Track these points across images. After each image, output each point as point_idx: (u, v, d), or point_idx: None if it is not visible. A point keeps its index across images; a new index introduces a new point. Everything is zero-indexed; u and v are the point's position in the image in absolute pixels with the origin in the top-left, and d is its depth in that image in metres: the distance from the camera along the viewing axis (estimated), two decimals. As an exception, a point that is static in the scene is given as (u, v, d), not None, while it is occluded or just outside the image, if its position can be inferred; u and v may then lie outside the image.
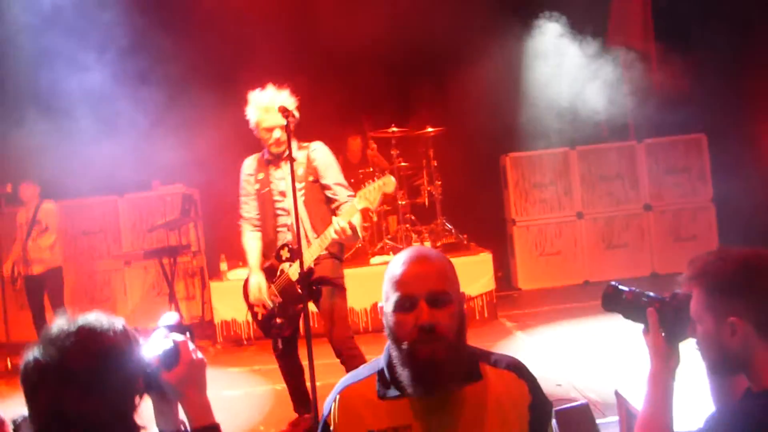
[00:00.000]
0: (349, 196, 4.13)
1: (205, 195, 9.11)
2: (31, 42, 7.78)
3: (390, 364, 1.85)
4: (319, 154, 4.24)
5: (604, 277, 8.76)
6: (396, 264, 1.85)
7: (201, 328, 8.14)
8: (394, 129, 8.31)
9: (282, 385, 5.66)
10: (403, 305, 1.78)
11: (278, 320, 4.05)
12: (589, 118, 8.54)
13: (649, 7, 9.33)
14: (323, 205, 4.22)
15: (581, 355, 5.73)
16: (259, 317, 4.23)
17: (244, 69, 8.49)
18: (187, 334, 1.83)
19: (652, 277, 8.88)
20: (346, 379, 1.98)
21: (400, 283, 1.80)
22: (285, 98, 4.12)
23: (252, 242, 4.35)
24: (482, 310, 7.50)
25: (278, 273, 4.15)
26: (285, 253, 4.12)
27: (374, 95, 8.90)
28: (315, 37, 8.72)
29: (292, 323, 4.10)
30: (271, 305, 4.11)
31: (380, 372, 1.89)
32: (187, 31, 8.46)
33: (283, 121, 3.94)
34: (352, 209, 3.92)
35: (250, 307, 4.26)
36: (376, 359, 1.96)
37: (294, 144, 4.05)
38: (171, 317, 1.86)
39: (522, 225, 9.10)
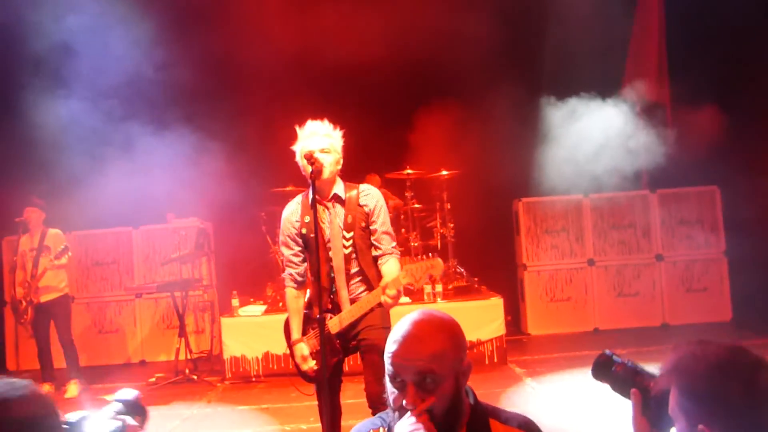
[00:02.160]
0: (393, 247, 3.91)
1: (219, 230, 9.18)
2: (50, 74, 7.92)
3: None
4: (372, 198, 3.94)
5: (615, 325, 8.76)
6: (393, 335, 1.84)
7: (210, 363, 8.15)
8: (409, 171, 8.41)
9: (291, 426, 5.69)
10: (394, 382, 1.81)
11: (316, 365, 3.86)
12: (603, 166, 8.60)
13: (664, 58, 9.46)
14: (370, 252, 3.95)
15: (591, 404, 5.68)
16: (309, 376, 3.99)
17: (261, 107, 8.68)
18: (141, 417, 1.82)
19: (662, 327, 8.84)
20: (362, 426, 2.01)
21: (390, 361, 1.82)
22: (332, 132, 3.90)
23: (294, 304, 4.00)
24: (492, 354, 7.47)
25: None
26: (328, 306, 3.88)
27: (391, 135, 9.00)
28: (334, 76, 8.88)
29: (332, 370, 3.85)
30: (312, 359, 3.90)
31: (389, 427, 1.91)
32: (203, 65, 8.60)
33: (322, 144, 3.79)
34: (397, 281, 3.64)
35: (298, 369, 3.99)
36: (386, 412, 1.97)
37: (342, 186, 3.94)
38: (129, 393, 1.85)
39: (533, 270, 9.11)
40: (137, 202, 8.55)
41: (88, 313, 9.08)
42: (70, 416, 1.66)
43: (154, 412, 6.26)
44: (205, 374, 7.72)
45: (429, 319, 1.86)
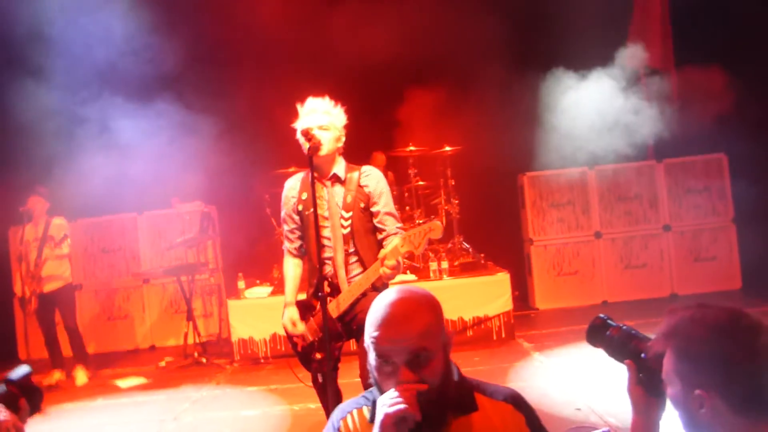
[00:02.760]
0: (398, 227, 3.85)
1: (223, 213, 9.16)
2: (47, 61, 7.88)
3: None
4: (372, 179, 3.88)
5: (623, 297, 8.73)
6: (373, 318, 1.78)
7: (218, 346, 8.18)
8: (412, 148, 8.35)
9: (300, 405, 5.72)
10: (384, 366, 1.75)
11: (318, 355, 3.79)
12: (608, 137, 8.51)
13: (668, 26, 9.31)
14: (371, 235, 3.88)
15: (601, 378, 5.66)
16: (299, 348, 3.96)
17: (263, 88, 8.62)
18: (26, 399, 1.77)
19: (671, 297, 8.79)
20: (347, 405, 1.98)
21: (378, 345, 1.75)
22: (332, 109, 3.84)
23: (290, 271, 4.03)
24: (499, 330, 7.45)
25: (317, 308, 3.85)
26: (326, 288, 3.77)
27: (393, 113, 8.94)
28: (335, 53, 8.79)
29: (332, 358, 3.79)
30: (311, 339, 3.85)
31: (374, 402, 1.87)
32: (204, 46, 8.54)
33: (321, 121, 3.74)
34: (396, 250, 3.55)
35: (289, 337, 3.98)
36: (369, 391, 1.94)
37: (343, 166, 3.88)
38: (17, 372, 1.80)
39: (540, 244, 9.06)
40: (141, 187, 8.55)
41: (96, 300, 9.12)
42: None
43: (164, 396, 6.35)
44: (214, 357, 7.75)
45: (407, 296, 1.81)
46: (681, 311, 1.62)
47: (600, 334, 1.88)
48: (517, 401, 1.90)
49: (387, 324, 1.75)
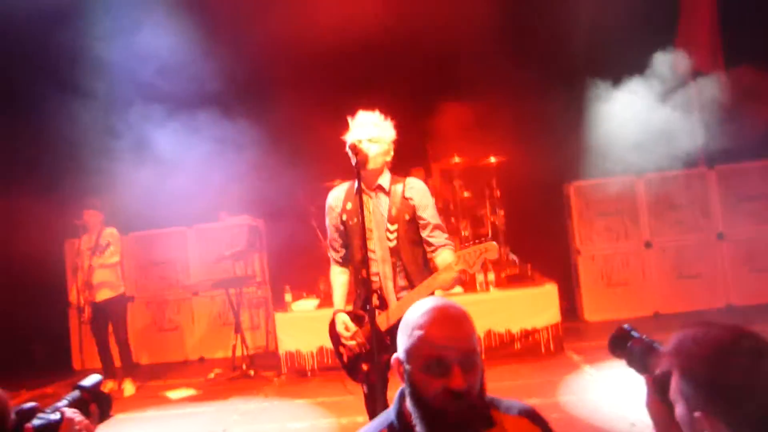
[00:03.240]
0: (446, 239, 3.85)
1: (270, 226, 9.26)
2: (106, 79, 8.09)
3: (401, 417, 1.82)
4: (417, 192, 3.88)
5: (676, 308, 8.51)
6: (423, 320, 1.77)
7: (266, 359, 8.24)
8: (457, 159, 8.32)
9: (347, 418, 5.72)
10: (434, 367, 1.72)
11: (364, 366, 3.78)
12: (657, 144, 8.33)
13: (717, 30, 9.09)
14: (417, 247, 3.87)
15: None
16: (345, 359, 3.92)
17: (308, 100, 8.70)
18: (101, 404, 1.87)
19: (727, 309, 8.54)
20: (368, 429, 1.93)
21: (431, 344, 1.73)
22: (381, 122, 3.86)
23: (338, 279, 4.05)
24: (548, 343, 7.34)
25: (365, 319, 3.81)
26: (374, 300, 3.75)
27: (437, 125, 8.92)
28: (383, 66, 8.83)
29: (379, 371, 3.69)
30: (358, 349, 3.82)
31: (390, 426, 1.85)
32: (250, 59, 8.65)
33: (371, 134, 3.77)
34: (450, 268, 3.58)
35: (336, 347, 3.96)
36: (386, 412, 1.91)
37: (387, 178, 3.90)
38: (89, 380, 1.89)
39: (587, 255, 8.91)
40: (190, 201, 8.71)
41: (148, 311, 9.31)
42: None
43: (213, 408, 6.42)
44: (262, 369, 7.81)
45: (450, 303, 1.84)
46: (685, 331, 1.57)
47: (621, 345, 1.85)
48: (532, 415, 1.91)
49: (444, 323, 1.75)
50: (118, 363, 7.71)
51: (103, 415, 1.96)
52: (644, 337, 1.83)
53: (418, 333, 1.76)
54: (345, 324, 3.85)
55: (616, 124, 8.21)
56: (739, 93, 8.19)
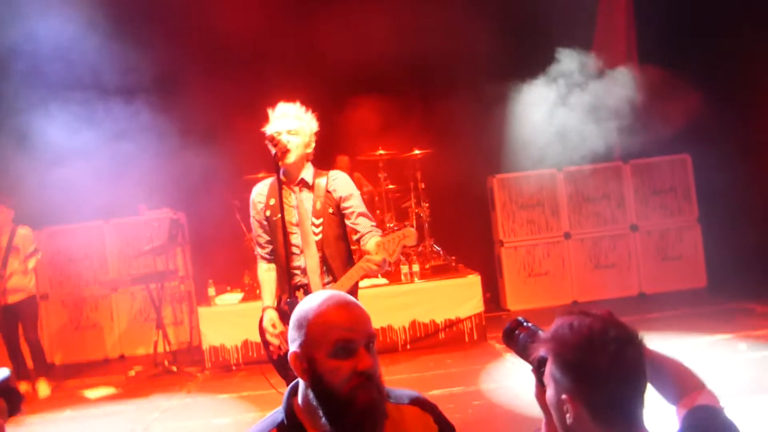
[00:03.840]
0: (372, 226, 3.84)
1: (192, 219, 9.06)
2: (19, 64, 7.75)
3: (290, 415, 1.81)
4: (340, 182, 3.88)
5: (593, 297, 8.82)
6: (322, 309, 1.77)
7: (189, 354, 8.09)
8: (381, 152, 8.36)
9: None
10: (341, 351, 1.72)
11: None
12: (575, 139, 8.61)
13: (632, 27, 9.44)
14: (341, 242, 3.89)
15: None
16: (275, 357, 3.89)
17: (231, 92, 8.56)
18: (4, 399, 1.84)
19: (639, 297, 8.92)
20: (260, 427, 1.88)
21: (338, 328, 1.73)
22: (302, 114, 3.82)
23: (265, 275, 3.98)
24: (471, 332, 7.49)
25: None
26: (301, 296, 3.73)
27: (362, 117, 8.93)
28: (303, 59, 8.78)
29: None
30: (281, 348, 3.78)
31: (280, 425, 1.83)
32: (172, 51, 8.46)
33: (290, 126, 3.73)
34: (370, 260, 3.60)
35: (266, 345, 3.91)
36: (273, 412, 1.89)
37: (310, 172, 3.86)
38: (0, 373, 1.86)
39: (510, 246, 9.13)
40: (108, 195, 8.43)
41: (64, 309, 8.94)
42: None
43: (133, 406, 6.26)
44: (185, 365, 7.66)
45: (340, 292, 1.87)
46: (562, 318, 1.66)
47: (511, 334, 1.90)
48: (421, 402, 1.95)
49: (342, 309, 1.77)
50: (30, 364, 7.39)
51: (13, 410, 1.89)
52: (531, 325, 1.88)
53: (320, 321, 1.76)
54: (272, 321, 3.81)
55: (536, 119, 8.45)
56: (651, 90, 8.55)
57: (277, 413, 1.87)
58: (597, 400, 1.56)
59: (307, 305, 1.81)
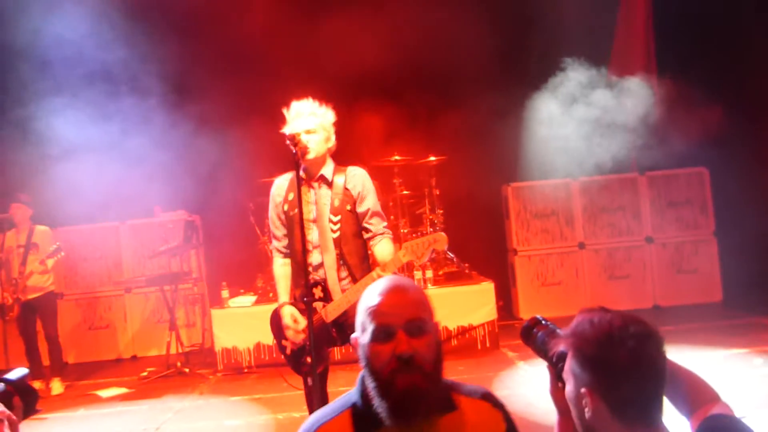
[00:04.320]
0: (384, 227, 3.87)
1: (207, 222, 9.11)
2: (37, 66, 7.83)
3: (365, 397, 1.84)
4: (358, 179, 3.89)
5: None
6: (372, 295, 1.84)
7: (201, 356, 8.10)
8: (397, 157, 8.37)
9: (284, 414, 5.69)
10: (381, 335, 1.76)
11: (309, 359, 3.66)
12: (592, 149, 8.59)
13: (652, 40, 9.42)
14: (358, 238, 3.88)
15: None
16: (288, 351, 3.89)
17: (248, 95, 8.62)
18: (27, 398, 1.84)
19: (654, 309, 8.86)
20: (318, 418, 1.91)
21: (377, 313, 1.78)
22: (317, 110, 3.82)
23: (281, 270, 3.98)
24: (484, 339, 7.47)
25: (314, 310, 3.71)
26: (318, 292, 3.75)
27: (378, 122, 8.95)
28: (319, 62, 8.80)
29: (323, 362, 3.74)
30: (301, 341, 3.77)
31: (354, 406, 1.87)
32: (190, 55, 8.52)
33: (308, 125, 3.74)
34: (398, 259, 3.63)
35: (278, 339, 3.91)
36: (346, 394, 1.93)
37: (330, 168, 3.88)
38: (17, 372, 1.87)
39: (523, 255, 9.10)
40: (124, 196, 8.50)
41: (78, 309, 9.00)
42: None
43: (146, 406, 6.27)
44: (197, 367, 7.68)
45: (400, 277, 1.95)
46: (583, 314, 1.68)
47: (529, 333, 1.94)
48: (493, 399, 1.96)
49: (386, 294, 1.81)
50: (46, 362, 7.44)
51: (28, 409, 1.89)
52: (549, 324, 1.92)
53: (367, 306, 1.82)
54: (294, 317, 3.79)
55: (552, 128, 8.43)
56: (669, 102, 8.53)
57: (350, 395, 1.91)
58: (616, 394, 1.57)
59: (368, 291, 1.87)
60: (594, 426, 1.61)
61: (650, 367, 1.58)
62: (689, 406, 1.79)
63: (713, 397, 1.80)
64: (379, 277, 3.55)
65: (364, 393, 1.84)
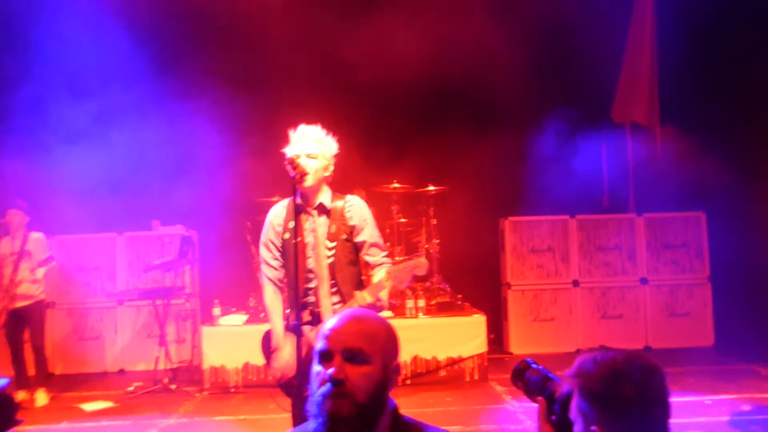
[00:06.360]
0: (384, 257, 3.87)
1: (204, 238, 9.10)
2: (37, 72, 7.89)
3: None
4: (356, 209, 3.88)
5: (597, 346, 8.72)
6: (329, 319, 1.89)
7: (189, 373, 8.04)
8: (396, 185, 8.41)
9: (267, 437, 5.61)
10: (322, 357, 1.81)
11: (295, 381, 3.65)
12: (591, 188, 8.65)
13: (655, 85, 9.55)
14: (352, 266, 3.85)
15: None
16: (278, 374, 3.87)
17: (251, 114, 8.68)
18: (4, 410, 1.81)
19: (645, 350, 8.82)
20: None
21: (322, 335, 1.83)
22: (323, 138, 3.82)
23: (276, 305, 3.89)
24: (473, 372, 7.43)
25: (302, 335, 3.66)
26: (306, 316, 3.73)
27: (378, 150, 9.01)
28: (326, 84, 8.88)
29: (306, 385, 3.71)
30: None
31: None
32: (194, 70, 8.61)
33: (310, 149, 3.73)
34: (379, 286, 3.60)
35: (269, 361, 3.89)
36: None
37: (328, 195, 3.87)
38: None
39: (517, 289, 9.10)
40: (122, 208, 8.52)
41: (68, 319, 8.94)
42: None
43: (130, 422, 6.19)
44: (184, 384, 7.62)
45: (361, 309, 1.98)
46: (585, 355, 1.72)
47: (521, 375, 1.97)
48: None
49: (339, 321, 1.85)
50: (31, 372, 7.37)
51: (7, 420, 1.85)
52: (541, 367, 1.96)
53: (321, 329, 1.86)
54: (289, 364, 3.77)
55: (553, 165, 8.50)
56: (669, 147, 8.62)
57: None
58: (625, 428, 1.60)
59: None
60: None
61: (657, 398, 1.63)
62: None
63: None
64: (362, 299, 3.62)
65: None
